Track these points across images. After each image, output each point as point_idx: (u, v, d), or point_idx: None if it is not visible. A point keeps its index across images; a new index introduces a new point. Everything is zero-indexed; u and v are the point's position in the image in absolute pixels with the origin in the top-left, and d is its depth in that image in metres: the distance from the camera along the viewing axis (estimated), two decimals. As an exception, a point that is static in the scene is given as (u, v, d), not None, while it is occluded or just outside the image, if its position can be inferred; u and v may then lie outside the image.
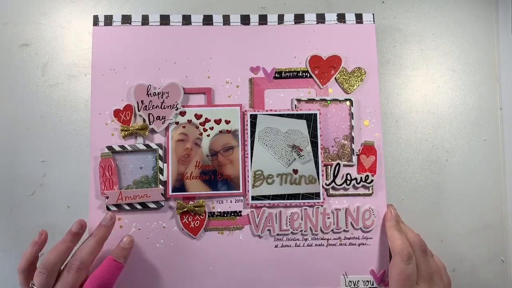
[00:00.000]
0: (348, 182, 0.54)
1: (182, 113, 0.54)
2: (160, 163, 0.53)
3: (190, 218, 0.53)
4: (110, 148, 0.53)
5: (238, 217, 0.54)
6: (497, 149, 0.60)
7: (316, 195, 0.54)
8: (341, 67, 0.56)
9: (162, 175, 0.53)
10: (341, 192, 0.55)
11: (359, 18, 0.57)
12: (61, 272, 0.46)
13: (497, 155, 0.60)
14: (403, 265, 0.47)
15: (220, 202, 0.54)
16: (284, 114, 0.55)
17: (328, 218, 0.54)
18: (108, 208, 0.53)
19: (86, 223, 0.49)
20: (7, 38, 0.60)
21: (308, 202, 0.54)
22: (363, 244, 0.54)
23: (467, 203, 0.59)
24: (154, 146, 0.53)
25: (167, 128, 0.54)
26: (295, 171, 0.54)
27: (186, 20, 0.56)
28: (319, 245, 0.54)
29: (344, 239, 0.54)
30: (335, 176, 0.54)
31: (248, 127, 0.54)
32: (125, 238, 0.50)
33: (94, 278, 0.45)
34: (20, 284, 0.46)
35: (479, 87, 0.61)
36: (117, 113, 0.54)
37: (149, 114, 0.54)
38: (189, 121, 0.54)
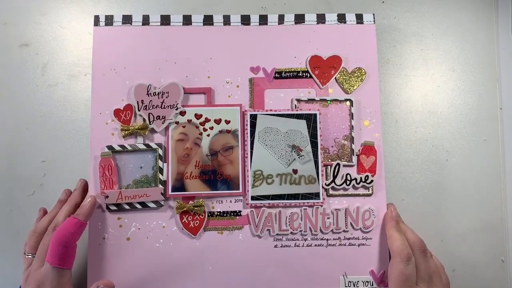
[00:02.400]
0: (348, 182, 0.54)
1: (182, 113, 0.54)
2: (160, 163, 0.53)
3: (190, 218, 0.53)
4: (110, 147, 0.53)
5: (237, 217, 0.54)
6: (497, 149, 0.60)
7: (316, 195, 0.54)
8: (341, 67, 0.56)
9: (162, 174, 0.53)
10: (341, 192, 0.54)
11: (359, 18, 0.56)
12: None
13: (497, 155, 0.60)
14: (403, 266, 0.47)
15: (220, 202, 0.54)
16: (284, 114, 0.55)
17: (328, 218, 0.54)
18: (108, 208, 0.53)
19: (71, 191, 0.53)
20: (7, 38, 0.60)
21: (308, 202, 0.54)
22: (363, 245, 0.54)
23: (467, 203, 0.59)
24: (154, 146, 0.53)
25: (167, 128, 0.54)
26: (295, 171, 0.54)
27: (187, 20, 0.56)
28: (318, 245, 0.54)
29: (343, 240, 0.54)
30: (334, 176, 0.54)
31: (248, 127, 0.54)
32: (88, 198, 0.52)
33: (57, 234, 0.47)
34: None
35: (479, 87, 0.61)
36: (117, 112, 0.54)
37: (149, 114, 0.54)
38: (189, 121, 0.54)
